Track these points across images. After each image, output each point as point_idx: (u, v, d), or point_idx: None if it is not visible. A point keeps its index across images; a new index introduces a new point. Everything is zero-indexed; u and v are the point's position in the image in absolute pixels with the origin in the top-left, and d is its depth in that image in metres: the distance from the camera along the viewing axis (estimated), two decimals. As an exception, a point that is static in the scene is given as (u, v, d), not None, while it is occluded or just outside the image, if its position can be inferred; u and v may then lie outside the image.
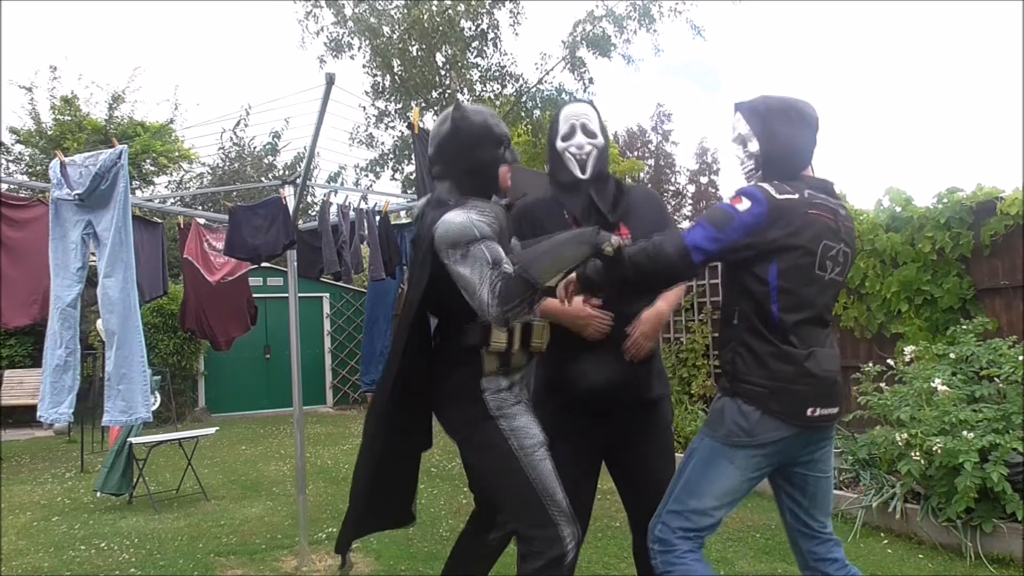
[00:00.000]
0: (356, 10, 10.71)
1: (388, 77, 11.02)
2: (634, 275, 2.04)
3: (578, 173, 2.35)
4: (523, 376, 2.25)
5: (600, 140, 2.38)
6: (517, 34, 11.12)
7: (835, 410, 2.14)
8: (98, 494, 5.72)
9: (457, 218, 2.05)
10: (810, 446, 2.16)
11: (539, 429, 2.17)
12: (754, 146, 2.16)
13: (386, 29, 10.51)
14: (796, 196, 2.04)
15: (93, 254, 3.63)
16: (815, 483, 2.23)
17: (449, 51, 10.60)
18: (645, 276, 2.06)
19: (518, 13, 10.86)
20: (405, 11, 10.40)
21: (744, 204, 2.01)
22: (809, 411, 2.04)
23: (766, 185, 2.05)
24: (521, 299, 1.96)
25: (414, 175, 3.91)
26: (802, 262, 2.02)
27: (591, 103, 2.51)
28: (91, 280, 3.71)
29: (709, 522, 2.10)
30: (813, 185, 2.12)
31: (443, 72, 10.80)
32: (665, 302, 2.35)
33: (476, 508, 2.51)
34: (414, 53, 10.53)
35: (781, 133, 2.13)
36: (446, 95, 10.89)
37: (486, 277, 1.98)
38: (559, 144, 2.38)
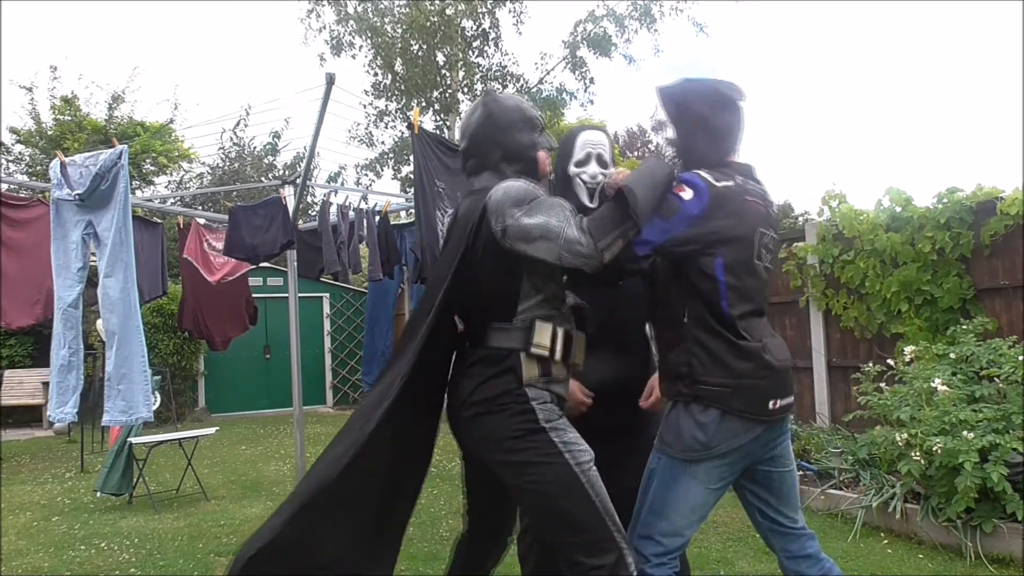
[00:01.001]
0: (358, 9, 10.71)
1: (389, 76, 11.02)
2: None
3: (586, 201, 2.26)
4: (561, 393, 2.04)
5: (612, 169, 2.32)
6: (520, 33, 11.06)
7: (791, 399, 2.06)
8: (98, 494, 5.72)
9: (516, 182, 1.95)
10: (771, 443, 2.08)
11: (586, 444, 1.96)
12: (671, 131, 2.09)
13: (388, 28, 10.51)
14: (732, 183, 1.98)
15: (94, 254, 3.63)
16: (780, 478, 2.15)
17: (450, 51, 10.60)
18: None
19: (521, 12, 10.85)
20: (406, 10, 10.40)
21: (687, 193, 1.91)
22: (771, 404, 1.97)
23: (703, 173, 1.96)
24: (619, 231, 1.79)
25: (413, 175, 3.92)
26: (743, 254, 1.96)
27: (606, 131, 2.44)
28: (91, 280, 3.71)
29: (681, 541, 2.03)
30: (741, 171, 2.05)
31: (444, 72, 10.80)
32: None
33: (467, 534, 2.24)
34: (415, 52, 10.53)
35: (699, 116, 2.04)
36: (447, 95, 10.89)
37: (568, 216, 1.82)
38: (572, 168, 2.29)
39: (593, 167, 2.26)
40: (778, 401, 1.98)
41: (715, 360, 1.94)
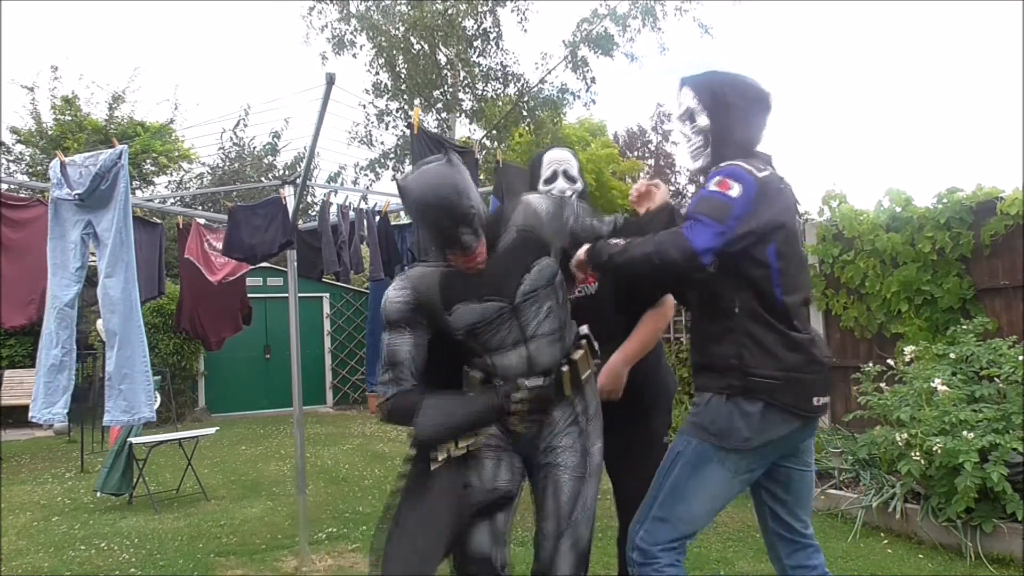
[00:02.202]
0: (360, 8, 10.70)
1: (390, 76, 11.01)
2: (639, 279, 1.99)
3: None
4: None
5: (579, 184, 2.47)
6: (525, 31, 11.01)
7: (828, 398, 2.04)
8: (98, 494, 5.72)
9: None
10: (803, 440, 2.07)
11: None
12: (704, 120, 2.04)
13: (390, 27, 10.51)
14: (769, 172, 1.96)
15: (93, 254, 3.63)
16: (799, 477, 2.12)
17: (451, 50, 10.59)
18: (651, 280, 2.00)
19: (525, 11, 10.83)
20: (408, 10, 10.39)
21: (735, 189, 1.87)
22: (815, 400, 1.95)
23: (743, 163, 1.93)
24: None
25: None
26: (792, 239, 1.97)
27: (571, 149, 2.61)
28: (91, 280, 3.70)
29: (694, 529, 2.01)
30: (766, 160, 2.05)
31: (445, 71, 10.79)
32: (628, 348, 2.34)
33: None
34: (416, 52, 10.52)
35: (735, 107, 2.02)
36: (448, 95, 10.88)
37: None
38: (541, 187, 2.45)
39: (560, 183, 2.42)
40: (820, 399, 1.97)
41: (766, 352, 1.91)
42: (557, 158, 2.49)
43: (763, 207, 1.89)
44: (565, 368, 2.07)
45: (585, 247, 2.02)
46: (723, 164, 1.95)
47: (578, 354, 2.10)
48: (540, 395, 2.04)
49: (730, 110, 2.02)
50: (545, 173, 2.46)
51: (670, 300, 2.41)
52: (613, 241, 1.98)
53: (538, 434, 2.11)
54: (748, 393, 1.91)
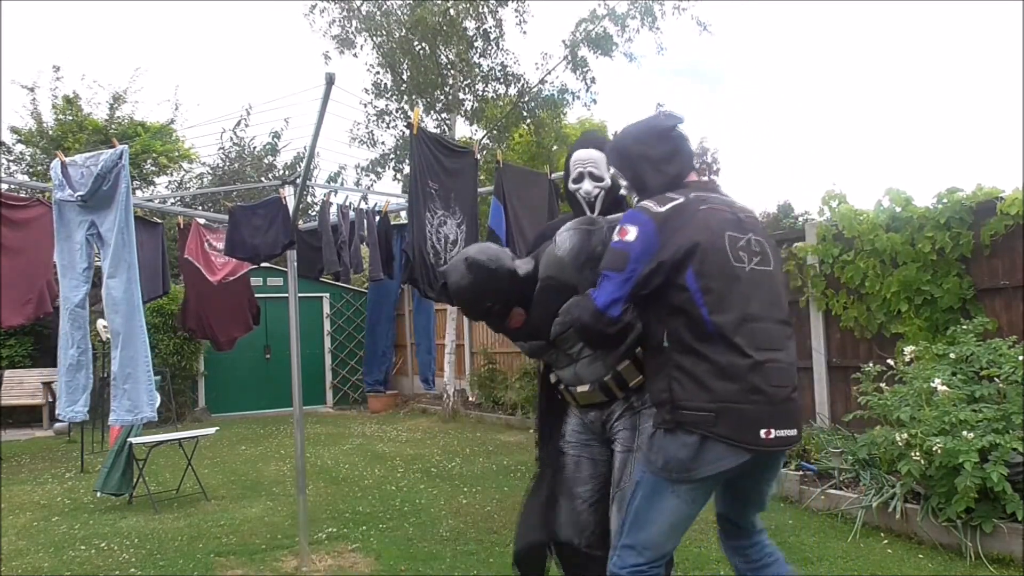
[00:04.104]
0: (362, 9, 10.68)
1: (391, 76, 11.00)
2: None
3: (588, 212, 2.53)
4: None
5: (606, 182, 2.53)
6: (525, 32, 10.97)
7: (793, 432, 1.96)
8: (98, 494, 5.72)
9: None
10: (763, 472, 2.07)
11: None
12: (624, 180, 2.22)
13: (394, 27, 10.50)
14: (681, 200, 2.02)
15: (98, 255, 3.64)
16: (757, 492, 2.16)
17: (452, 51, 10.58)
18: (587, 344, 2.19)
19: (524, 12, 10.81)
20: (410, 10, 10.37)
21: (631, 233, 1.96)
22: (763, 433, 1.88)
23: (645, 203, 2.03)
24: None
25: (409, 175, 3.92)
26: (714, 259, 1.94)
27: (600, 146, 2.58)
28: (92, 280, 3.72)
29: (659, 553, 2.05)
30: (700, 188, 2.13)
31: (446, 72, 10.78)
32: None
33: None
34: (418, 52, 10.50)
35: (639, 156, 2.16)
36: (449, 95, 10.87)
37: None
38: (571, 186, 2.57)
39: (587, 184, 2.52)
40: (772, 431, 1.89)
41: (697, 383, 1.90)
42: (583, 158, 2.54)
43: (670, 237, 1.95)
44: (608, 378, 2.33)
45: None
46: (633, 207, 2.08)
47: (623, 365, 2.33)
48: (586, 397, 2.40)
49: (635, 160, 2.17)
50: (572, 174, 2.56)
51: None
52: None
53: (605, 423, 2.42)
54: (682, 427, 1.92)
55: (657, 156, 2.14)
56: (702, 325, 1.91)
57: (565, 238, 2.31)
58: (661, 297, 1.97)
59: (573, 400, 2.45)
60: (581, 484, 2.43)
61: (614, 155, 2.24)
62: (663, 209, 1.99)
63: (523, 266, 2.36)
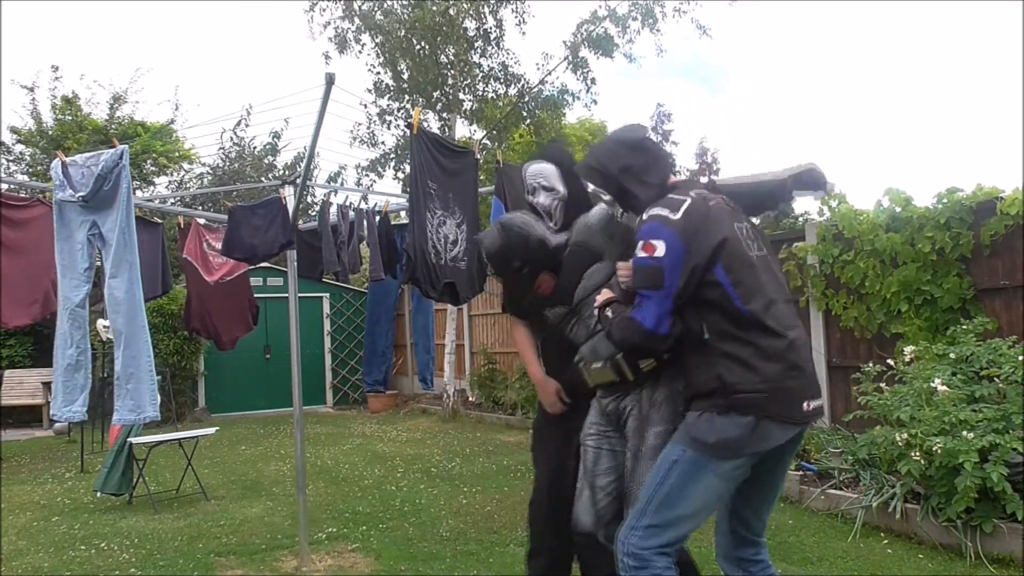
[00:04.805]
0: (363, 8, 10.68)
1: (391, 76, 11.00)
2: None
3: (550, 223, 2.68)
4: None
5: (560, 192, 2.68)
6: (524, 33, 10.97)
7: (821, 401, 2.09)
8: (98, 494, 5.72)
9: None
10: (792, 443, 2.12)
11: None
12: (608, 195, 2.25)
13: (395, 27, 10.50)
14: (689, 200, 2.04)
15: (99, 255, 3.65)
16: (774, 481, 2.20)
17: (452, 51, 10.58)
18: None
19: (524, 12, 10.81)
20: (410, 10, 10.36)
21: (659, 248, 1.97)
22: (805, 405, 2.00)
23: (659, 212, 2.02)
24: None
25: (409, 175, 3.92)
26: (734, 249, 2.01)
27: (553, 156, 2.77)
28: (93, 281, 3.73)
29: (686, 532, 2.08)
30: (689, 187, 2.14)
31: (446, 72, 10.77)
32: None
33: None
34: (418, 52, 10.50)
35: (620, 171, 2.16)
36: (449, 95, 10.87)
37: None
38: (528, 198, 2.75)
39: (541, 197, 2.68)
40: (811, 403, 2.02)
41: (745, 367, 1.97)
42: (532, 172, 2.72)
43: (694, 239, 1.98)
44: (621, 357, 2.27)
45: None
46: (642, 220, 2.07)
47: None
48: (600, 375, 2.38)
49: (617, 176, 2.18)
50: (527, 188, 2.72)
51: None
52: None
53: (620, 415, 2.44)
54: (738, 409, 1.97)
55: (639, 167, 2.15)
56: (739, 314, 1.98)
57: (597, 210, 2.48)
58: (696, 295, 2.00)
59: (590, 381, 2.47)
60: (601, 476, 2.48)
61: (593, 175, 2.24)
62: (679, 215, 2.00)
63: (554, 238, 2.58)
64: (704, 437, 2.00)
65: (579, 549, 2.55)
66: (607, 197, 2.25)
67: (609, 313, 2.25)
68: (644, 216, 2.07)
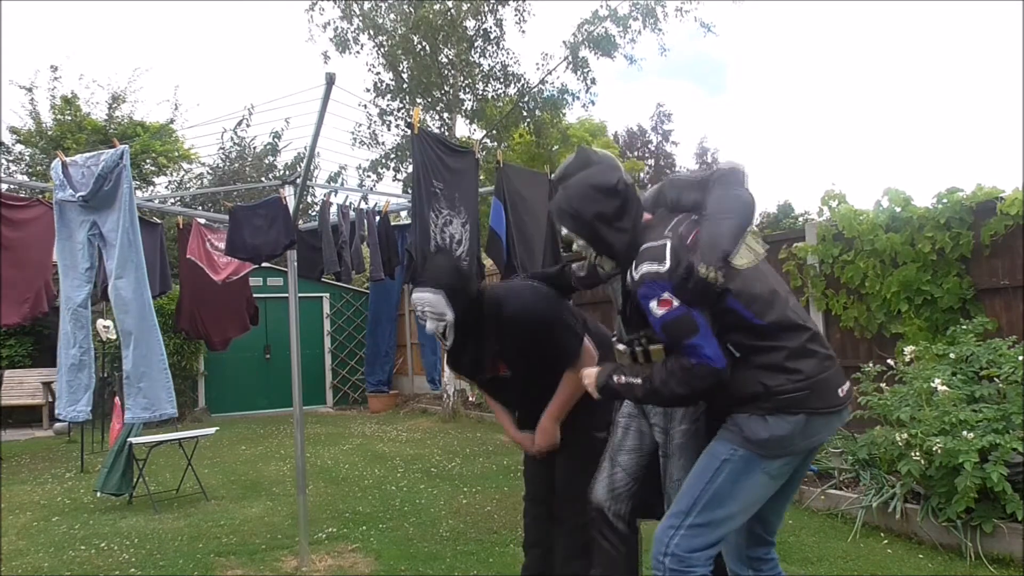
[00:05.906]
0: (363, 7, 10.69)
1: (392, 75, 11.00)
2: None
3: (447, 345, 2.73)
4: None
5: (449, 316, 2.65)
6: (524, 32, 10.98)
7: (848, 384, 2.12)
8: (98, 494, 5.72)
9: None
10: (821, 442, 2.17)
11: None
12: (582, 240, 2.19)
13: (395, 26, 10.51)
14: (664, 241, 2.01)
15: (101, 255, 3.66)
16: (799, 475, 2.22)
17: (452, 50, 10.58)
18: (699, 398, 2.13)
19: (524, 11, 10.82)
20: (410, 10, 10.37)
21: (673, 300, 1.95)
22: (840, 391, 2.05)
23: (645, 270, 1.99)
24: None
25: (412, 175, 3.91)
26: (728, 271, 1.98)
27: (438, 280, 2.68)
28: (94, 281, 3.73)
29: (728, 531, 2.11)
30: (662, 222, 2.10)
31: (447, 71, 10.77)
32: (553, 409, 2.74)
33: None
34: (418, 51, 10.51)
35: (594, 220, 2.11)
36: (449, 95, 10.88)
37: None
38: (419, 322, 2.77)
39: (430, 325, 2.68)
40: (843, 387, 2.07)
41: (783, 370, 1.99)
42: (415, 302, 2.68)
43: (695, 281, 1.95)
44: (638, 347, 2.26)
45: (593, 373, 2.26)
46: (636, 280, 2.02)
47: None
48: (620, 358, 2.35)
49: (592, 224, 2.13)
50: (417, 314, 2.71)
51: (586, 355, 2.68)
52: (623, 378, 2.14)
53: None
54: (785, 410, 2.00)
55: (611, 213, 2.11)
56: (760, 328, 2.00)
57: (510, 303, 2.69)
58: (714, 323, 2.00)
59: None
60: (624, 453, 2.52)
61: (567, 219, 2.18)
62: (666, 267, 1.97)
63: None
64: (757, 436, 2.01)
65: (592, 525, 2.57)
66: (580, 242, 2.20)
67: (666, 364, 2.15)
68: (635, 276, 2.03)
